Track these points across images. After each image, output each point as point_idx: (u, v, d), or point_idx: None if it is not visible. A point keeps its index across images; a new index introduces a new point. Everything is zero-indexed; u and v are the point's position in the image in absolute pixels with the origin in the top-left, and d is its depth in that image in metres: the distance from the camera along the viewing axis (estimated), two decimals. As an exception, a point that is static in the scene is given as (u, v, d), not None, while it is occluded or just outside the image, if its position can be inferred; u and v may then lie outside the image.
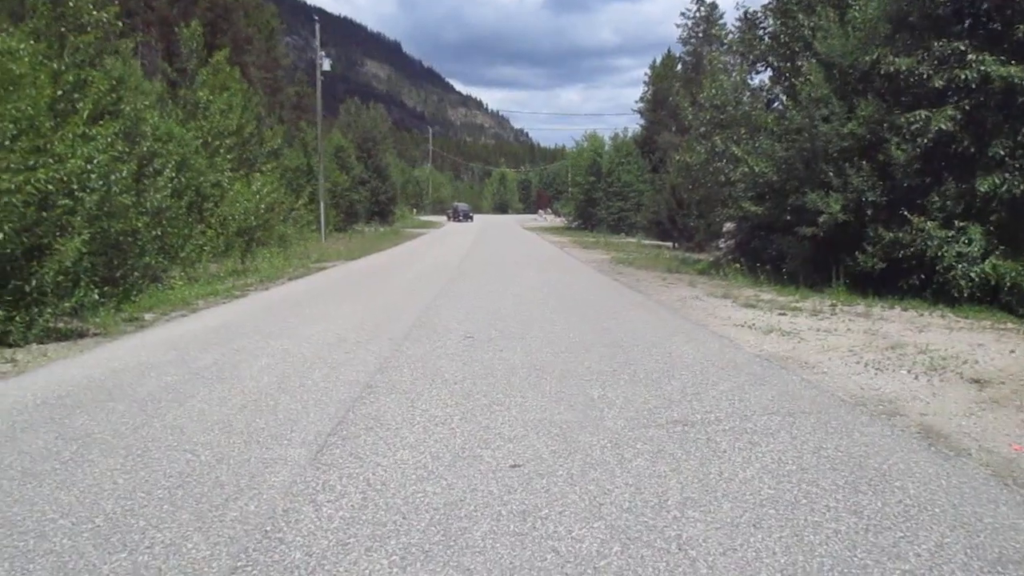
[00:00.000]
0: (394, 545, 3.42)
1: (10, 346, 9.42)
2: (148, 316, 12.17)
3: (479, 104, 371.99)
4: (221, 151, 27.06)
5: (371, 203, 58.94)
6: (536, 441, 4.94)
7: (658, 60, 52.84)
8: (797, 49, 16.97)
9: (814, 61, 15.57)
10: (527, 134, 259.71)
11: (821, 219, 14.21)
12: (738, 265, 17.67)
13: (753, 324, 10.23)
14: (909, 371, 7.22)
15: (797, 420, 5.41)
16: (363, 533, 3.56)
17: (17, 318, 9.72)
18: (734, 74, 21.29)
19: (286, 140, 46.51)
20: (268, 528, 3.63)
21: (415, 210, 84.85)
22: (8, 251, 9.78)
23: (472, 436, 5.07)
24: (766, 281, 15.76)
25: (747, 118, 18.83)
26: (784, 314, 11.38)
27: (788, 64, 17.65)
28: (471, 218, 73.38)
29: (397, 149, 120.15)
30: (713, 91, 20.59)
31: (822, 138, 14.59)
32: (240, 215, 22.59)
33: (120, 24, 17.99)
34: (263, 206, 23.64)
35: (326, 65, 37.80)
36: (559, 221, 67.53)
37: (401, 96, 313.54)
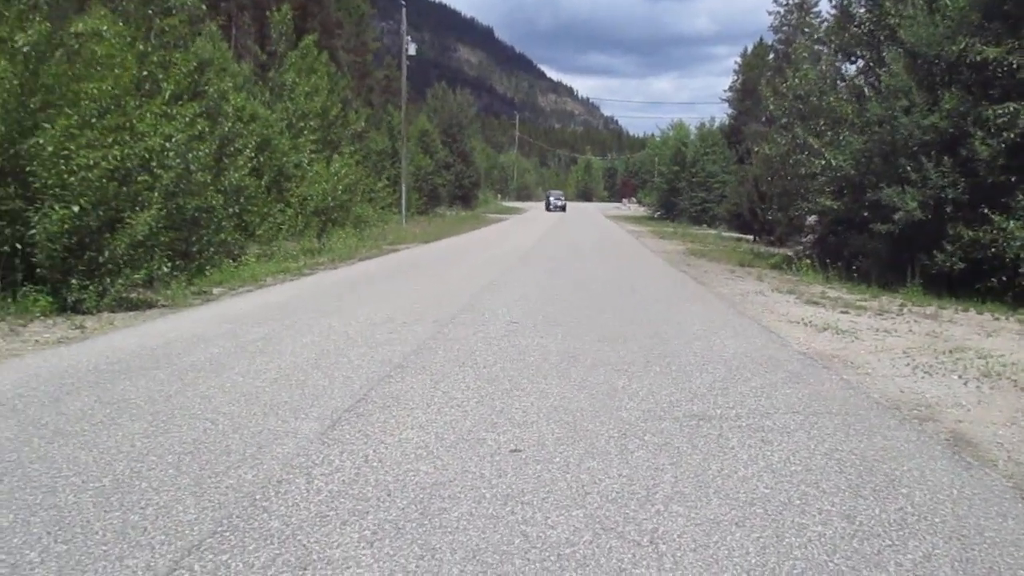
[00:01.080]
0: (370, 520, 3.49)
1: (83, 313, 9.91)
2: (216, 290, 12.62)
3: (569, 91, 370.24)
4: (305, 132, 27.73)
5: (454, 187, 59.53)
6: (544, 427, 4.94)
7: (749, 49, 51.55)
8: (883, 38, 16.30)
9: (898, 50, 14.94)
10: (616, 122, 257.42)
11: (897, 216, 13.68)
12: (809, 261, 17.17)
13: (810, 321, 9.94)
14: (960, 376, 6.92)
15: (820, 420, 5.26)
16: (344, 507, 3.64)
17: (91, 287, 10.21)
18: (821, 64, 20.63)
19: (373, 123, 47.41)
20: (258, 497, 3.76)
21: (499, 196, 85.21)
22: (85, 223, 10.26)
23: (482, 419, 5.11)
24: (838, 278, 15.28)
25: (829, 110, 18.23)
26: (847, 312, 11.03)
27: (873, 54, 16.98)
28: (564, 208, 67.58)
29: (484, 135, 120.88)
30: (797, 80, 20.01)
31: (902, 131, 14.01)
32: (318, 195, 23.12)
33: (204, 7, 18.53)
34: (341, 187, 24.12)
35: (411, 50, 38.25)
36: (642, 210, 66.88)
37: (492, 82, 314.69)
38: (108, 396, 5.68)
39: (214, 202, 14.74)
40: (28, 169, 10.08)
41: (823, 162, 16.56)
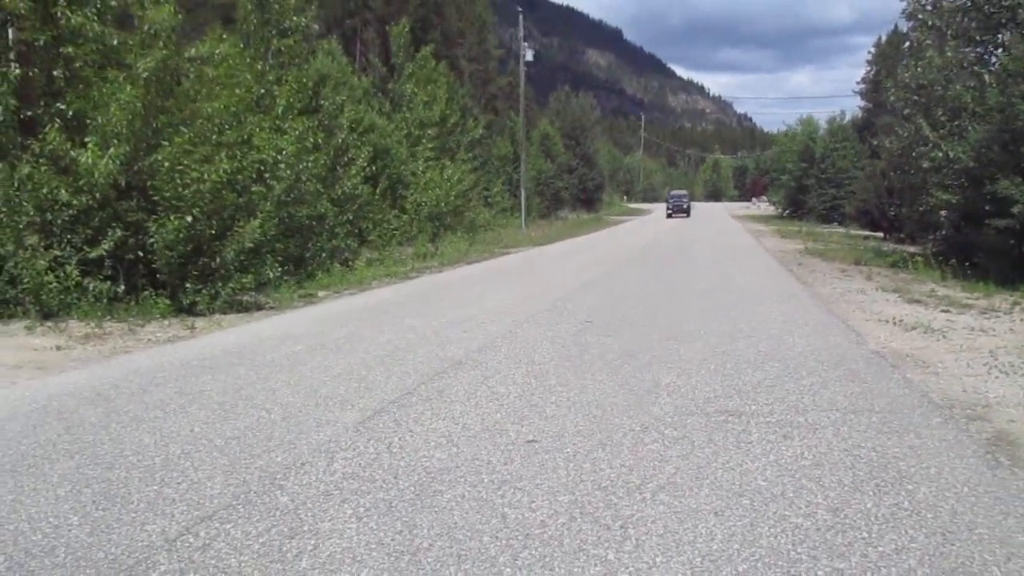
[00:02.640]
0: (368, 499, 3.79)
1: (197, 315, 10.77)
2: (321, 293, 13.37)
3: (700, 89, 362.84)
4: (423, 141, 28.68)
5: (577, 190, 59.70)
6: (570, 420, 5.12)
7: (884, 38, 49.20)
8: (1003, 21, 15.38)
9: (1020, 32, 14.09)
10: (750, 119, 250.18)
11: (1015, 209, 12.91)
12: (922, 259, 16.38)
13: (902, 320, 9.59)
14: (1041, 377, 6.57)
15: (856, 418, 5.17)
16: (351, 487, 3.96)
17: (204, 291, 11.08)
18: (945, 51, 19.60)
19: (495, 129, 48.29)
20: (279, 477, 4.13)
21: (624, 197, 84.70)
22: (198, 231, 11.14)
23: (513, 412, 5.33)
24: (952, 276, 14.51)
25: (951, 98, 17.33)
26: (947, 311, 10.53)
27: (991, 37, 16.03)
28: (688, 211, 55.66)
29: (612, 137, 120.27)
30: (919, 69, 19.11)
31: (1023, 117, 13.21)
32: (432, 201, 23.90)
33: (316, 27, 19.57)
34: (454, 193, 24.84)
35: (529, 56, 38.80)
36: (771, 209, 64.88)
37: (621, 83, 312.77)
38: (188, 388, 6.27)
39: (324, 210, 15.58)
40: (149, 184, 11.05)
41: (940, 154, 15.78)
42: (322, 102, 19.17)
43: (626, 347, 7.66)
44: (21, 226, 10.45)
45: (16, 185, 10.55)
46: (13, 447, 4.76)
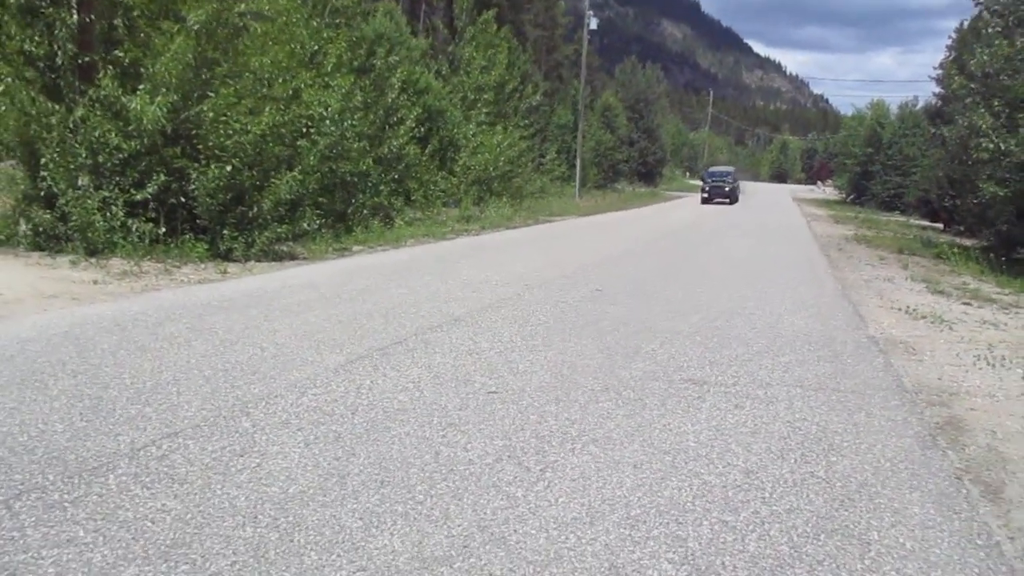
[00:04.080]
0: (322, 430, 4.15)
1: (232, 261, 11.30)
2: (356, 248, 13.80)
3: (777, 67, 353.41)
4: (478, 105, 28.89)
5: (637, 164, 59.24)
6: (536, 377, 5.40)
7: (966, 23, 47.35)
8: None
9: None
10: (826, 100, 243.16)
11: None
12: (957, 251, 16.09)
13: (915, 309, 9.58)
14: (1027, 371, 6.61)
15: (816, 395, 5.34)
16: (309, 418, 4.32)
17: (240, 238, 11.60)
18: (1016, 40, 19.00)
19: (559, 98, 48.16)
20: (249, 405, 4.52)
21: (687, 173, 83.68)
22: (237, 181, 11.63)
23: (486, 366, 5.64)
24: (992, 271, 14.27)
25: (1013, 90, 16.86)
26: (968, 304, 10.46)
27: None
28: (732, 196, 41.08)
29: (680, 111, 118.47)
30: (985, 57, 18.58)
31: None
32: (480, 166, 24.16)
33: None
34: (503, 159, 25.05)
35: (593, 24, 38.49)
36: (835, 194, 63.44)
37: (695, 57, 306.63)
38: (199, 325, 6.72)
39: (366, 167, 15.97)
40: (194, 132, 11.55)
41: (992, 146, 15.44)
42: (375, 62, 19.50)
43: (623, 316, 7.88)
44: (73, 167, 11.06)
45: (71, 127, 11.13)
46: (28, 365, 5.25)
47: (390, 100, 19.34)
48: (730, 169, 46.31)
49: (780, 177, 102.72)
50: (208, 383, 4.93)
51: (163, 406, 4.44)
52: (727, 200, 40.19)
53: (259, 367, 5.36)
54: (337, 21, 17.79)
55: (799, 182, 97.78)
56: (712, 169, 47.78)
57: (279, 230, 12.02)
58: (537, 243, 16.14)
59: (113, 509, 3.14)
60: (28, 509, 3.10)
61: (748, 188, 63.28)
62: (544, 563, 2.86)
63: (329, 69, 15.65)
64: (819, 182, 79.75)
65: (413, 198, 20.20)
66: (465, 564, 2.82)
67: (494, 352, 6.08)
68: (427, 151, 22.43)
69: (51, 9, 11.38)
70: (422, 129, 20.98)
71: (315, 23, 16.35)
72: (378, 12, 23.30)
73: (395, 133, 19.01)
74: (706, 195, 41.08)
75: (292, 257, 12.24)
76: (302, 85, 13.63)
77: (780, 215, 33.06)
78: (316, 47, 16.00)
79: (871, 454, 4.25)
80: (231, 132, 11.44)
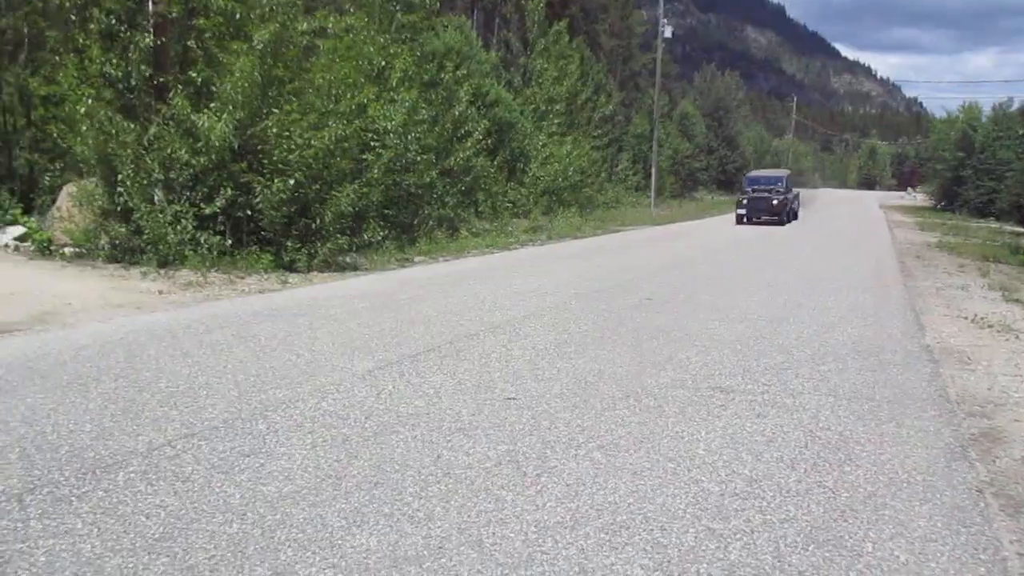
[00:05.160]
0: (332, 432, 4.25)
1: (295, 271, 11.65)
2: (418, 259, 14.04)
3: (867, 71, 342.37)
4: (549, 116, 29.00)
5: (716, 172, 58.39)
6: (559, 385, 5.40)
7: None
8: None
9: None
10: (920, 103, 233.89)
11: None
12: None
13: (982, 318, 9.16)
14: (1090, 383, 6.25)
15: (848, 404, 5.17)
16: (323, 422, 4.43)
17: (303, 249, 11.95)
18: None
19: (635, 107, 47.93)
20: (269, 409, 4.66)
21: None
22: (301, 194, 12.00)
23: (511, 373, 5.67)
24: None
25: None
26: (1046, 312, 9.96)
27: None
28: (784, 211, 28.06)
29: (764, 118, 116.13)
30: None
31: None
32: (549, 176, 24.24)
33: (439, 3, 20.16)
34: (572, 169, 25.07)
35: (667, 33, 38.21)
36: (927, 200, 61.04)
37: (780, 63, 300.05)
38: (244, 332, 6.96)
39: (429, 179, 16.23)
40: (259, 148, 11.98)
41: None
42: (443, 75, 19.82)
43: (666, 324, 7.80)
44: (147, 182, 11.61)
45: (145, 145, 11.69)
46: (78, 369, 5.54)
47: (457, 113, 19.59)
48: (781, 174, 30.42)
49: (868, 184, 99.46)
50: (237, 387, 5.12)
51: (188, 409, 4.63)
52: (775, 219, 26.92)
53: (289, 372, 5.52)
54: (404, 36, 18.17)
55: (889, 189, 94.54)
56: (754, 174, 32.42)
57: (340, 242, 12.34)
58: (600, 253, 16.08)
59: (115, 504, 3.30)
60: (37, 502, 3.29)
61: (829, 197, 61.45)
62: (514, 565, 2.87)
63: (394, 84, 16.00)
64: (909, 188, 76.93)
65: (481, 209, 20.39)
66: (435, 564, 2.86)
67: (523, 360, 6.11)
68: (496, 162, 22.63)
69: (128, 33, 11.99)
70: (490, 141, 21.17)
71: (381, 39, 16.72)
72: (448, 27, 23.66)
73: (462, 145, 19.26)
74: (743, 211, 27.23)
75: (354, 268, 12.53)
76: (366, 100, 13.96)
77: (861, 222, 32.06)
78: (383, 63, 16.38)
79: (889, 465, 4.10)
80: (294, 147, 11.81)
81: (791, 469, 3.99)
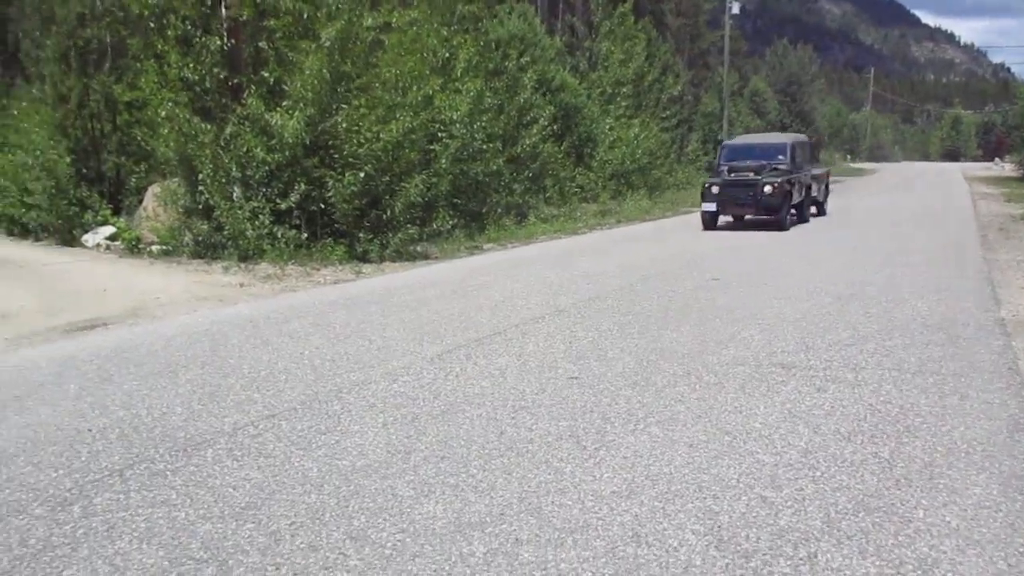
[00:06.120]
0: (402, 412, 4.50)
1: (368, 262, 12.00)
2: (487, 246, 14.27)
3: (950, 37, 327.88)
4: (616, 99, 28.90)
5: (790, 149, 57.00)
6: (621, 364, 5.53)
7: None
8: None
9: None
10: (1008, 69, 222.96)
11: None
12: None
13: (1065, 290, 8.91)
14: None
15: (912, 379, 5.16)
16: (393, 402, 4.68)
17: (375, 240, 12.31)
18: None
19: (704, 86, 47.26)
20: (344, 391, 4.94)
21: (848, 157, 79.64)
22: (371, 187, 12.35)
23: (575, 353, 5.83)
24: None
25: None
26: None
27: None
28: (777, 204, 15.95)
29: (841, 91, 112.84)
30: None
31: None
32: (617, 160, 24.20)
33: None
34: (640, 151, 24.96)
35: (735, 9, 37.53)
36: (1015, 170, 58.36)
37: (857, 33, 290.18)
38: (320, 321, 7.30)
39: (496, 167, 16.43)
40: (330, 143, 12.36)
41: None
42: (506, 63, 19.97)
43: (730, 304, 7.83)
44: (225, 180, 12.14)
45: (222, 144, 12.20)
46: (167, 357, 5.93)
47: (523, 100, 19.72)
48: (786, 140, 18.84)
49: (952, 155, 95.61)
50: (314, 371, 5.41)
51: (269, 392, 4.94)
52: (767, 217, 16.49)
53: (362, 357, 5.80)
54: (466, 27, 18.37)
55: (975, 159, 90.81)
56: (737, 141, 20.78)
57: (410, 231, 12.64)
58: (668, 234, 16.06)
59: (204, 477, 3.59)
60: (136, 476, 3.62)
61: (910, 171, 59.53)
62: (570, 530, 3.05)
63: (459, 74, 16.23)
64: (997, 159, 73.73)
65: (549, 195, 20.51)
66: (496, 529, 3.06)
67: (587, 341, 6.26)
68: (563, 148, 22.69)
69: (203, 37, 12.50)
70: (556, 127, 21.24)
71: (444, 31, 16.96)
72: (512, 14, 23.78)
73: (528, 132, 19.39)
74: (712, 205, 16.56)
75: (425, 257, 12.83)
76: (431, 91, 14.22)
77: (941, 193, 31.01)
78: (447, 54, 16.63)
79: (949, 436, 4.12)
80: (364, 140, 12.16)
81: (847, 441, 4.05)
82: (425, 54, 15.09)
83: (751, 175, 16.38)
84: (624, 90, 29.67)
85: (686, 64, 45.38)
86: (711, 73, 49.96)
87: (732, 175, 16.72)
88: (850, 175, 52.84)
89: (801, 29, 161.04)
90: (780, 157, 17.26)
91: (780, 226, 16.01)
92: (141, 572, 2.79)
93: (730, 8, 37.11)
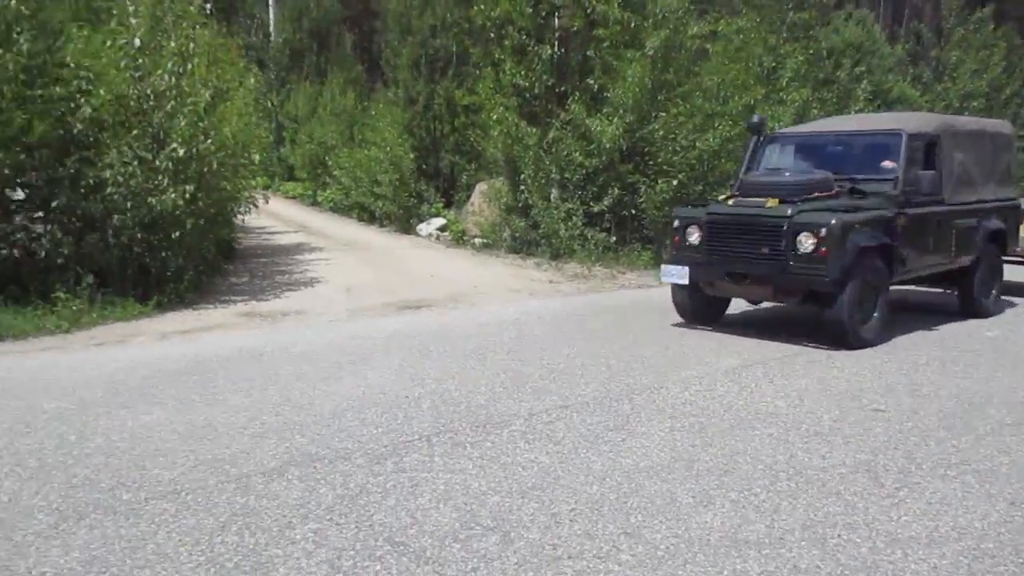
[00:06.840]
0: (679, 411, 4.48)
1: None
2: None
3: None
4: (965, 113, 26.15)
5: None
6: (937, 402, 5.01)
7: None
8: None
9: None
10: None
11: None
12: None
13: None
14: None
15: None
16: (675, 405, 4.68)
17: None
18: None
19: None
20: (635, 395, 5.02)
21: None
22: (684, 195, 12.33)
23: (884, 385, 5.38)
24: None
25: None
26: None
27: None
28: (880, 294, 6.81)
29: None
30: None
31: None
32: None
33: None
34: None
35: None
36: None
37: None
38: (620, 323, 7.47)
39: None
40: (646, 150, 12.56)
41: None
42: (838, 73, 18.90)
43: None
44: (545, 182, 12.82)
45: (544, 147, 12.89)
46: (478, 341, 6.45)
47: (854, 112, 18.53)
48: (898, 129, 7.20)
49: None
50: (608, 370, 5.58)
51: (565, 384, 5.18)
52: (811, 302, 6.78)
53: (656, 362, 5.86)
54: (796, 35, 17.64)
55: None
56: (795, 130, 9.21)
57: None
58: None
59: (498, 455, 3.88)
60: (440, 444, 4.00)
61: None
62: (856, 568, 2.87)
63: (784, 83, 15.65)
64: None
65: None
66: (774, 552, 2.96)
67: (900, 373, 5.77)
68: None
69: (536, 47, 13.27)
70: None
71: (771, 39, 16.44)
72: (849, 21, 22.44)
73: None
74: (680, 272, 7.05)
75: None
76: (753, 100, 13.86)
77: None
78: (773, 63, 16.12)
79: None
80: (679, 148, 12.19)
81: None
82: (750, 63, 14.75)
83: (771, 204, 6.75)
84: (975, 104, 26.69)
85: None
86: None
87: (734, 202, 7.27)
88: None
89: None
90: (887, 166, 7.16)
91: (842, 335, 6.53)
92: (436, 528, 3.09)
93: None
